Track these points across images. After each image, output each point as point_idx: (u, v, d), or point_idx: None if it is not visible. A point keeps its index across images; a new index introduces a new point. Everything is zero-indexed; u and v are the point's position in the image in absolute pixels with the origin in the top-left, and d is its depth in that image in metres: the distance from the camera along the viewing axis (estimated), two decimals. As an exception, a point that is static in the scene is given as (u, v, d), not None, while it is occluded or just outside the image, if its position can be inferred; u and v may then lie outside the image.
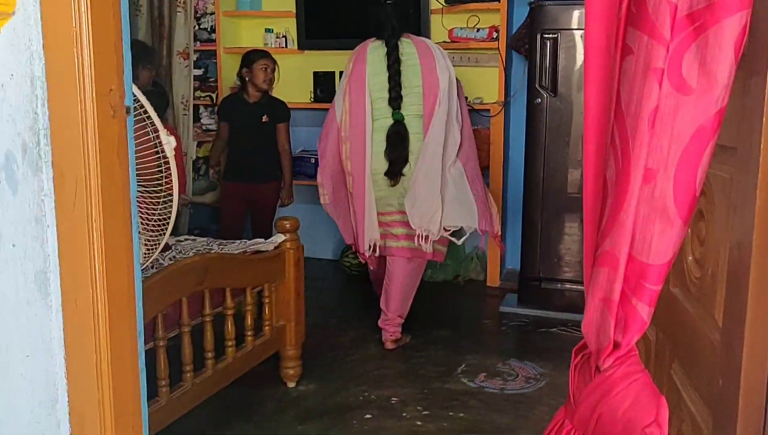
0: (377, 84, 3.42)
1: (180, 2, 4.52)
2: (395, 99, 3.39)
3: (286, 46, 5.00)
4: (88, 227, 1.19)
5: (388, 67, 3.39)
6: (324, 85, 4.89)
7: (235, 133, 4.15)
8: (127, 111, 1.27)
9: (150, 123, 1.51)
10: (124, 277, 1.22)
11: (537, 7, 3.87)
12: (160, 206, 1.60)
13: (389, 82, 3.39)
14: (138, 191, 1.55)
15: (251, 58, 4.03)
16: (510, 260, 4.84)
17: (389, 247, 3.55)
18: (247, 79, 4.03)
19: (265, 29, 5.03)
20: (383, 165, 3.43)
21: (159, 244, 1.66)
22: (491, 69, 4.56)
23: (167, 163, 1.56)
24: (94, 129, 1.18)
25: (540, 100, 3.92)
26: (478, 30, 4.53)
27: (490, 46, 4.50)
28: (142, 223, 1.58)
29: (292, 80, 5.06)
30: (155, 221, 1.61)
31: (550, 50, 3.85)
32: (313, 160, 4.98)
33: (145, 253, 1.64)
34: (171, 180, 1.56)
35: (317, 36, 4.88)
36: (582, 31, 3.79)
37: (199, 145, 4.99)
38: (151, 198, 1.60)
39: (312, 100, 4.98)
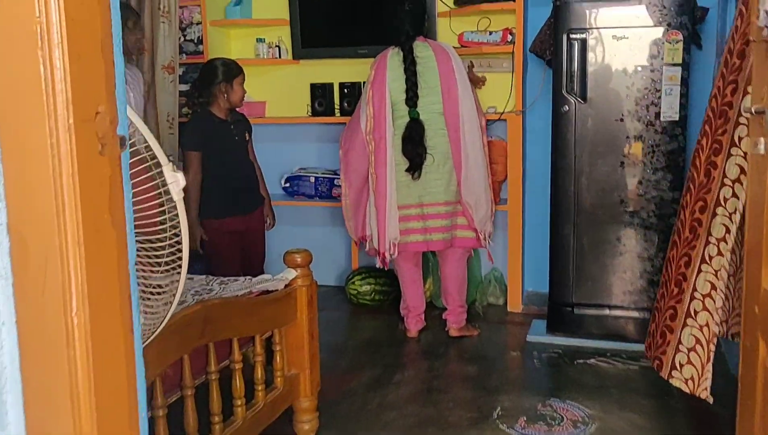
0: (397, 88, 3.59)
1: (164, 12, 4.08)
2: (411, 98, 3.56)
3: (280, 57, 4.59)
4: (65, 323, 0.77)
5: (405, 69, 3.55)
6: (322, 97, 4.46)
7: (219, 160, 3.52)
8: (122, 143, 0.86)
9: (150, 156, 1.09)
10: (123, 399, 0.81)
11: (562, 5, 3.48)
12: (162, 262, 1.19)
13: (406, 82, 3.55)
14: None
15: (233, 71, 3.52)
16: (529, 282, 4.45)
17: (429, 241, 3.70)
18: (225, 95, 3.51)
19: (257, 39, 4.62)
20: (405, 161, 3.61)
21: (163, 318, 1.24)
22: (504, 74, 4.18)
23: (172, 205, 1.14)
24: (72, 174, 0.76)
25: (567, 107, 3.54)
26: (490, 33, 4.15)
27: (504, 51, 4.12)
28: (140, 291, 1.16)
29: (288, 93, 4.67)
30: (154, 285, 1.20)
31: (578, 52, 3.48)
32: (312, 180, 4.57)
33: (144, 330, 1.22)
34: (177, 226, 1.14)
35: (313, 44, 4.48)
36: (615, 30, 3.43)
37: (187, 167, 4.53)
38: (147, 254, 1.19)
39: (309, 114, 4.56)
